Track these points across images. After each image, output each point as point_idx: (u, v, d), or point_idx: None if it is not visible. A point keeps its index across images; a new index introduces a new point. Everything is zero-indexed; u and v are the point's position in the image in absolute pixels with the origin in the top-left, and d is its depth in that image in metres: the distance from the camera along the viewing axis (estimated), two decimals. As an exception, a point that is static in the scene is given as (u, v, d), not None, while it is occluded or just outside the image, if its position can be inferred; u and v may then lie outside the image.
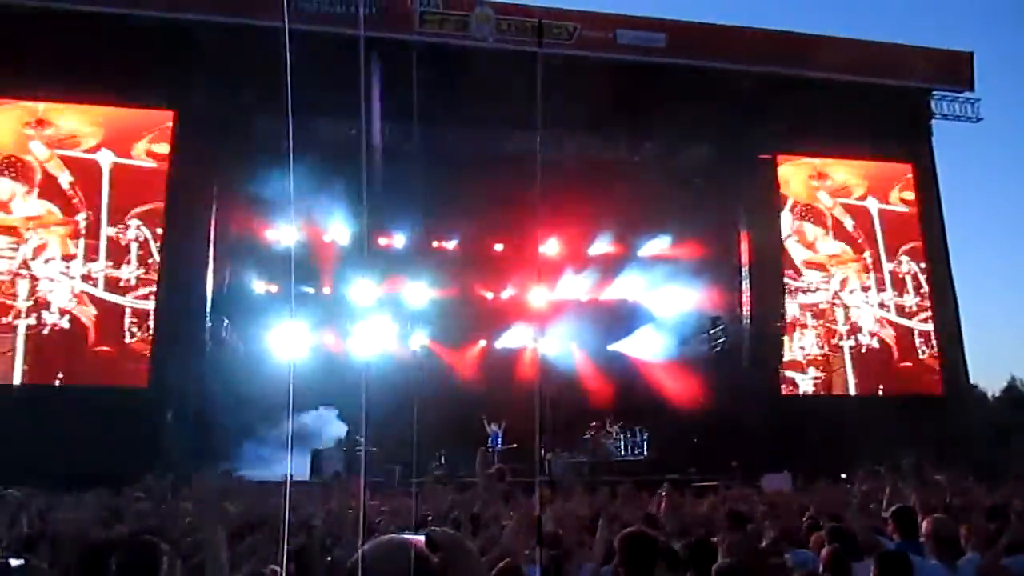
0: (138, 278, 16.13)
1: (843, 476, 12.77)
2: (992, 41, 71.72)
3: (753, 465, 16.75)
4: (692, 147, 19.46)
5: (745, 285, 18.79)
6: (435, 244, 20.09)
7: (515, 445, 16.75)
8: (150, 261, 16.28)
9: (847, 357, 18.95)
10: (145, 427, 14.81)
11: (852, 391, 18.84)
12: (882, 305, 19.41)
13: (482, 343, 20.20)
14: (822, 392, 18.63)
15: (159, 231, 16.35)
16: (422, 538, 1.79)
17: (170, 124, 16.77)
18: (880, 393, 18.86)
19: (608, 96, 17.73)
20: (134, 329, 15.97)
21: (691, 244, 20.15)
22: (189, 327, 16.09)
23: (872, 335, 19.15)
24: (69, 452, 13.28)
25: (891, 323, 19.35)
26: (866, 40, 19.73)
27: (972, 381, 21.35)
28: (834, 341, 19.02)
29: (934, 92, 20.11)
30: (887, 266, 19.62)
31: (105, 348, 15.77)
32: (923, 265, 19.72)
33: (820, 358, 18.86)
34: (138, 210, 16.38)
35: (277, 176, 17.12)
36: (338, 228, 18.25)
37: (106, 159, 16.45)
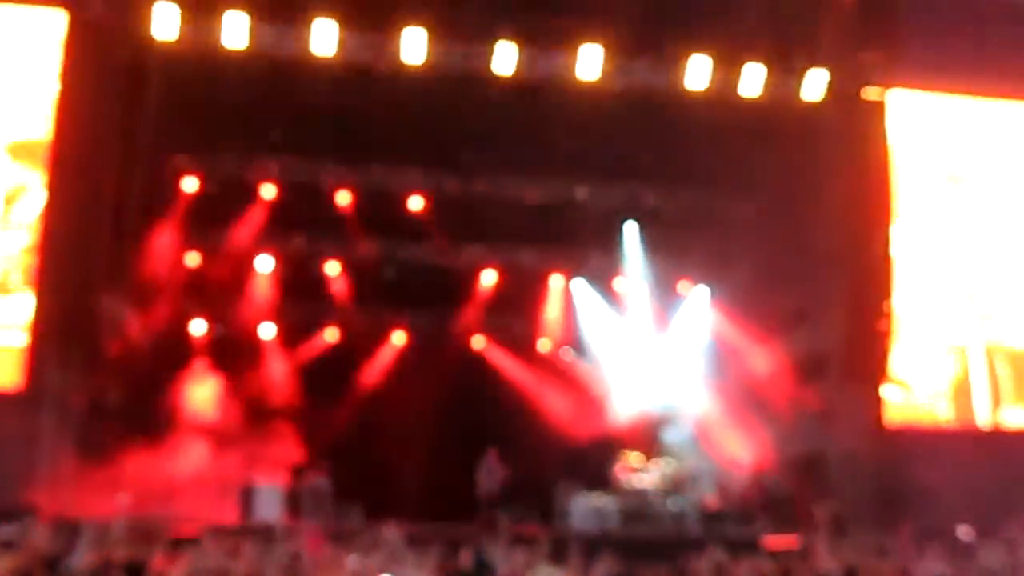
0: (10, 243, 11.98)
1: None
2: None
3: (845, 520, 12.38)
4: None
5: (836, 271, 13.90)
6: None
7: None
8: (28, 218, 12.07)
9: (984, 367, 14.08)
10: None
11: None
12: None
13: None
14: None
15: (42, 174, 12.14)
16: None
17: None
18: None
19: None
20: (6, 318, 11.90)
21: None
22: (79, 314, 11.98)
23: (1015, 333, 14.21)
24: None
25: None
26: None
27: None
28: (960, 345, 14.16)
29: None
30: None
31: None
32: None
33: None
34: (11, 143, 12.19)
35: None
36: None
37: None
